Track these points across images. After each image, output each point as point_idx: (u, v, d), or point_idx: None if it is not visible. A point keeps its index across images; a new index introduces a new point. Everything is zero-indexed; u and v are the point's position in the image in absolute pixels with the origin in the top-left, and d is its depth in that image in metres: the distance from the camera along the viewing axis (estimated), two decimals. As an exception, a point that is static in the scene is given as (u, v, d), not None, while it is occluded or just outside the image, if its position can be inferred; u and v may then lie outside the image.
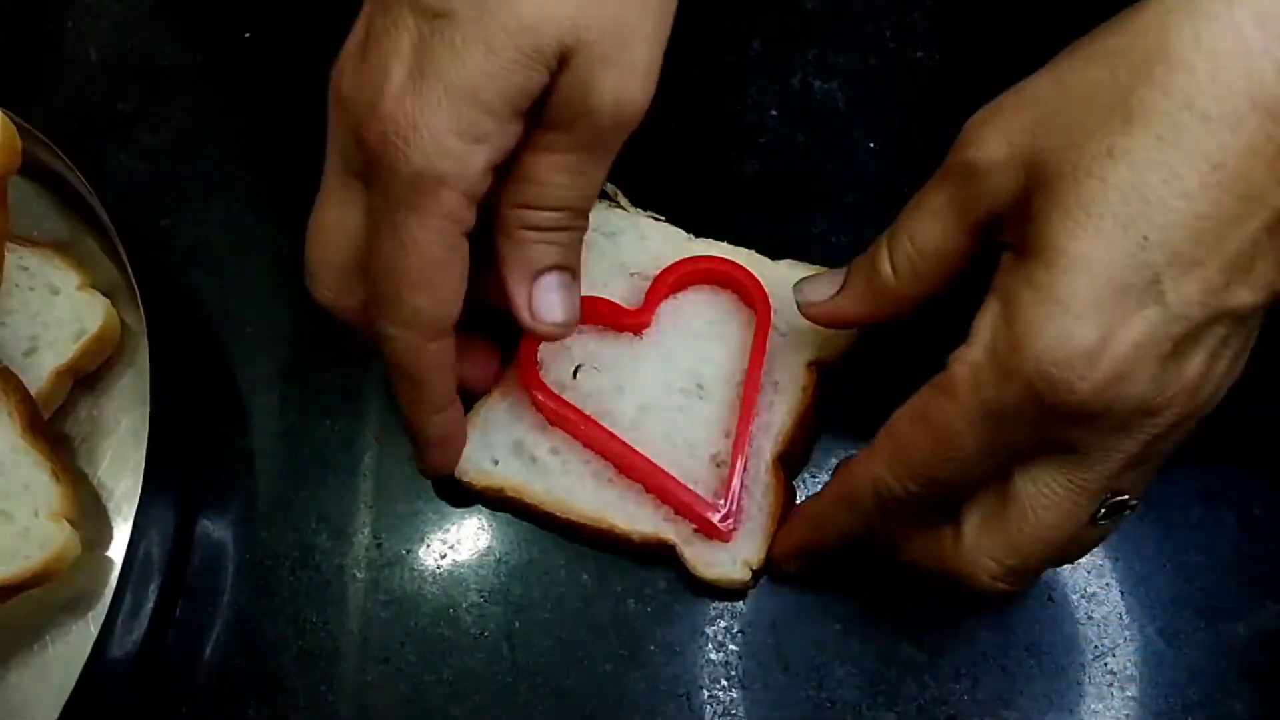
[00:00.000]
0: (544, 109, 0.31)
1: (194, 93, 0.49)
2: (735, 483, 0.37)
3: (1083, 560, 0.38)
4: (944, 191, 0.31)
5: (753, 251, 0.41)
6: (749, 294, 0.40)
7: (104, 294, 0.42)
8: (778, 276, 0.40)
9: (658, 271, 0.40)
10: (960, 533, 0.32)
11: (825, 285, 0.35)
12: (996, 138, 0.29)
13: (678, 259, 0.40)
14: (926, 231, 0.31)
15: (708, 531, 0.37)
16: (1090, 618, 0.38)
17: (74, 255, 0.43)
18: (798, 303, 0.36)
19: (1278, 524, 0.38)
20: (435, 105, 0.30)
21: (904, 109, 0.46)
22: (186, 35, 0.50)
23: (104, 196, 0.42)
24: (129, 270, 0.40)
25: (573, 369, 0.40)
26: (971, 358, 0.29)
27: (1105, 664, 0.37)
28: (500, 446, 0.39)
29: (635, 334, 0.40)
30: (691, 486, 0.38)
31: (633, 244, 0.42)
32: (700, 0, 0.48)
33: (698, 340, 0.40)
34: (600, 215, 0.41)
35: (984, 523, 0.31)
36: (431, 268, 0.32)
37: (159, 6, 0.51)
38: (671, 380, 0.40)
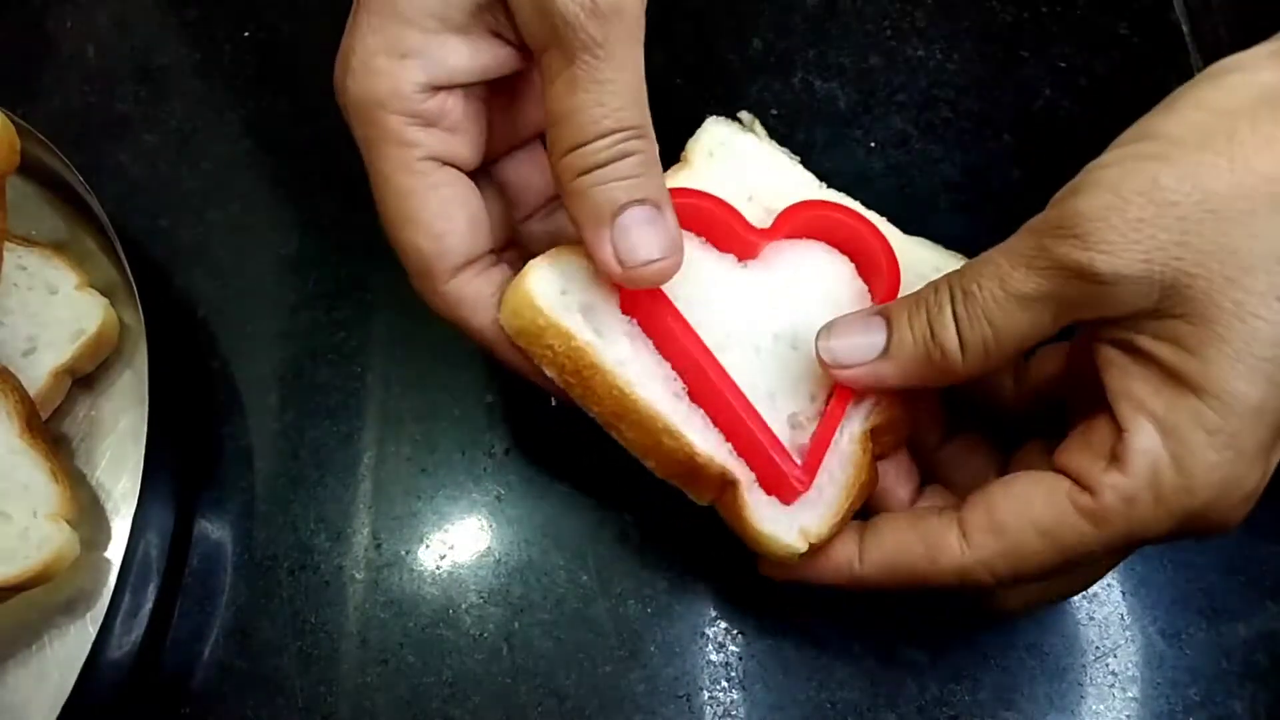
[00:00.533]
0: (520, 32, 0.30)
1: (194, 93, 0.49)
2: (821, 446, 0.32)
3: (1083, 561, 0.38)
4: (1044, 285, 0.28)
5: (885, 219, 0.36)
6: (877, 262, 0.35)
7: (102, 294, 0.42)
8: (908, 253, 0.35)
9: (780, 204, 0.35)
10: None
11: (861, 341, 0.31)
12: (1131, 249, 0.26)
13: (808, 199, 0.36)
14: (1012, 321, 0.28)
15: (774, 482, 0.32)
16: (1091, 618, 0.38)
17: (73, 255, 0.43)
18: (820, 356, 0.32)
19: (1278, 524, 0.38)
20: (363, 32, 0.30)
21: (904, 109, 0.46)
22: (186, 35, 0.50)
23: (103, 196, 0.42)
24: (127, 270, 0.40)
25: None
26: (1130, 490, 0.28)
27: (1106, 664, 0.37)
28: (572, 294, 0.32)
29: (742, 258, 0.35)
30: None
31: (759, 171, 0.37)
32: (700, 0, 0.48)
33: (805, 292, 0.35)
34: (730, 135, 0.38)
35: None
36: (405, 199, 0.31)
37: (158, 6, 0.51)
38: (767, 321, 0.34)
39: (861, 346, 0.31)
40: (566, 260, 0.33)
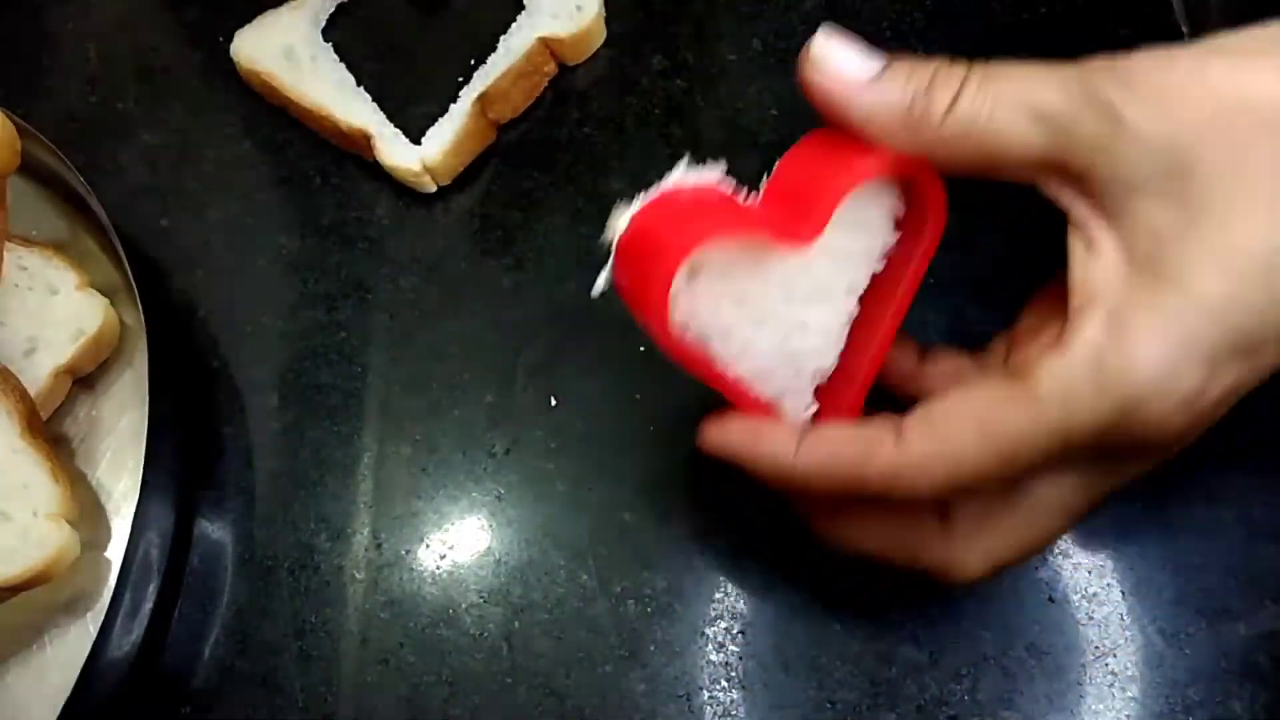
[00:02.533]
0: None
1: (194, 93, 0.49)
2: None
3: (1083, 560, 0.38)
4: (1066, 105, 0.26)
5: None
6: (922, 203, 0.32)
7: (103, 294, 0.42)
8: None
9: None
10: (950, 528, 0.30)
11: (855, 56, 0.29)
12: (1161, 110, 0.25)
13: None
14: (1011, 123, 0.27)
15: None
16: (1091, 618, 0.38)
17: (73, 255, 0.43)
18: (809, 49, 0.30)
19: (1278, 524, 0.38)
20: None
21: (904, 109, 0.45)
22: (186, 35, 0.50)
23: (103, 196, 0.42)
24: (127, 270, 0.40)
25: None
26: (1066, 373, 0.26)
27: (1106, 664, 0.37)
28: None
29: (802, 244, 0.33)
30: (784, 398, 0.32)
31: None
32: (700, 0, 0.48)
33: (838, 246, 0.33)
34: None
35: (983, 521, 0.29)
36: None
37: (158, 6, 0.51)
38: (798, 291, 0.33)
39: (853, 60, 0.29)
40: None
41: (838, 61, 0.29)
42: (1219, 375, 0.25)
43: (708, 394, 0.42)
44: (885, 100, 0.28)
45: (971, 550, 0.30)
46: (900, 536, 0.31)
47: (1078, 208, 0.27)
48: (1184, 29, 0.45)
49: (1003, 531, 0.29)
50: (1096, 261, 0.27)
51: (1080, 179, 0.27)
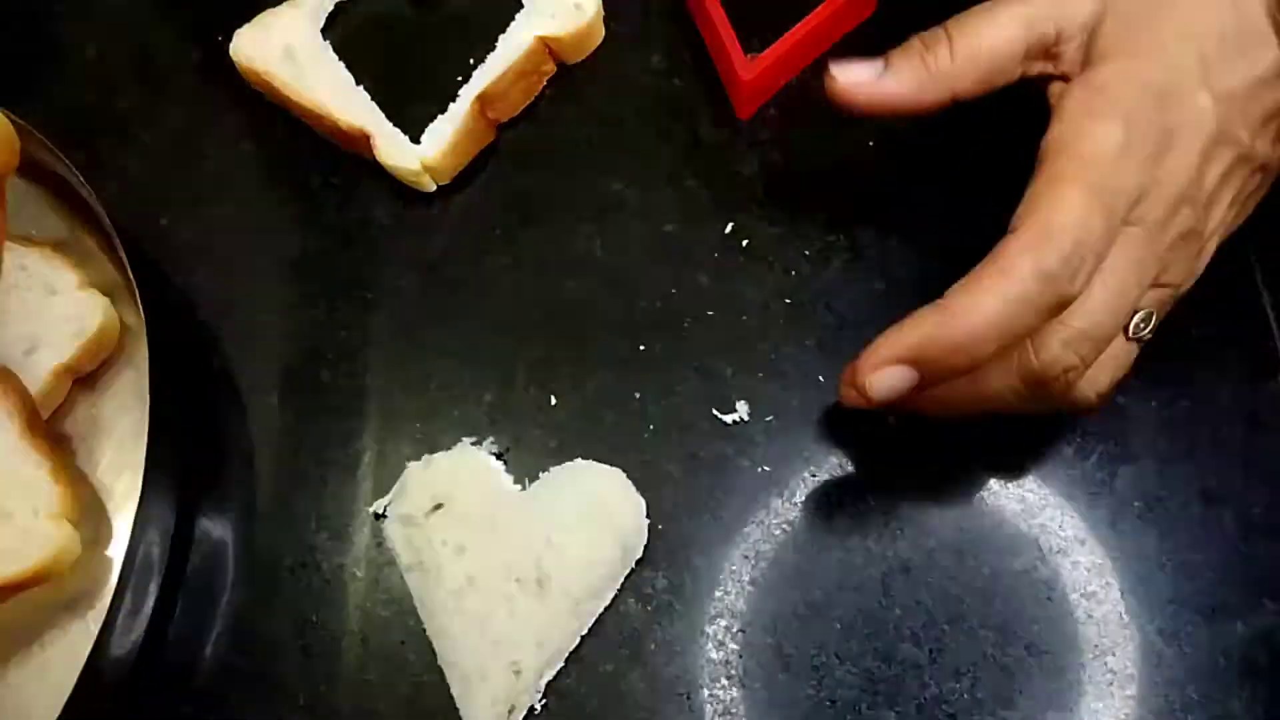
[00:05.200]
0: None
1: (194, 93, 0.49)
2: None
3: (1083, 560, 0.38)
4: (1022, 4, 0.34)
5: None
6: None
7: (103, 293, 0.42)
8: None
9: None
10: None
11: (863, 68, 0.35)
12: None
13: None
14: (993, 30, 0.34)
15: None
16: (1090, 617, 0.38)
17: (73, 255, 0.43)
18: (829, 90, 0.36)
19: (1278, 524, 0.38)
20: None
21: (903, 109, 0.45)
22: (186, 34, 0.50)
23: (103, 196, 0.42)
24: (128, 270, 0.40)
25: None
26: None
27: (1105, 663, 0.37)
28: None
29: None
30: None
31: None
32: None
33: (572, 522, 0.39)
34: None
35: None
36: None
37: (158, 6, 0.51)
38: (528, 559, 0.39)
39: (863, 71, 0.35)
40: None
41: (855, 77, 0.36)
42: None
43: (707, 397, 0.42)
44: (903, 73, 0.35)
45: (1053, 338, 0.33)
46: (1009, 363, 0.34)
47: (1052, 79, 0.35)
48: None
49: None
50: (1057, 120, 0.33)
51: (1050, 52, 0.34)
